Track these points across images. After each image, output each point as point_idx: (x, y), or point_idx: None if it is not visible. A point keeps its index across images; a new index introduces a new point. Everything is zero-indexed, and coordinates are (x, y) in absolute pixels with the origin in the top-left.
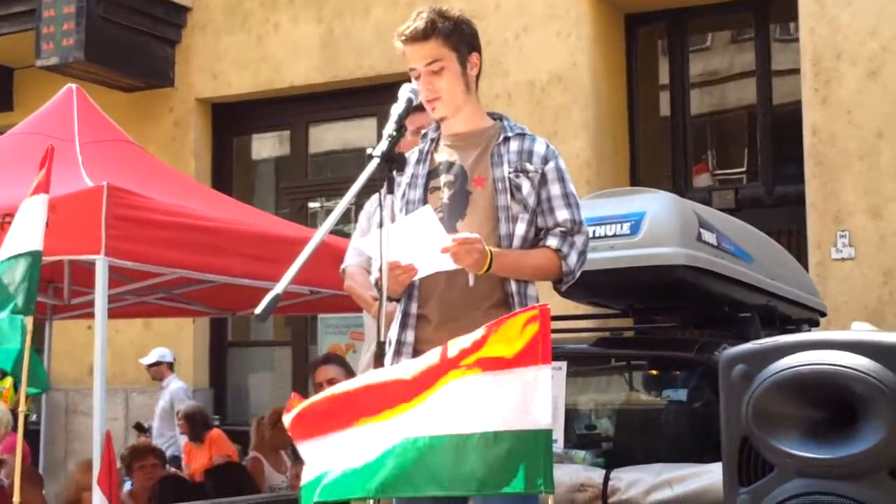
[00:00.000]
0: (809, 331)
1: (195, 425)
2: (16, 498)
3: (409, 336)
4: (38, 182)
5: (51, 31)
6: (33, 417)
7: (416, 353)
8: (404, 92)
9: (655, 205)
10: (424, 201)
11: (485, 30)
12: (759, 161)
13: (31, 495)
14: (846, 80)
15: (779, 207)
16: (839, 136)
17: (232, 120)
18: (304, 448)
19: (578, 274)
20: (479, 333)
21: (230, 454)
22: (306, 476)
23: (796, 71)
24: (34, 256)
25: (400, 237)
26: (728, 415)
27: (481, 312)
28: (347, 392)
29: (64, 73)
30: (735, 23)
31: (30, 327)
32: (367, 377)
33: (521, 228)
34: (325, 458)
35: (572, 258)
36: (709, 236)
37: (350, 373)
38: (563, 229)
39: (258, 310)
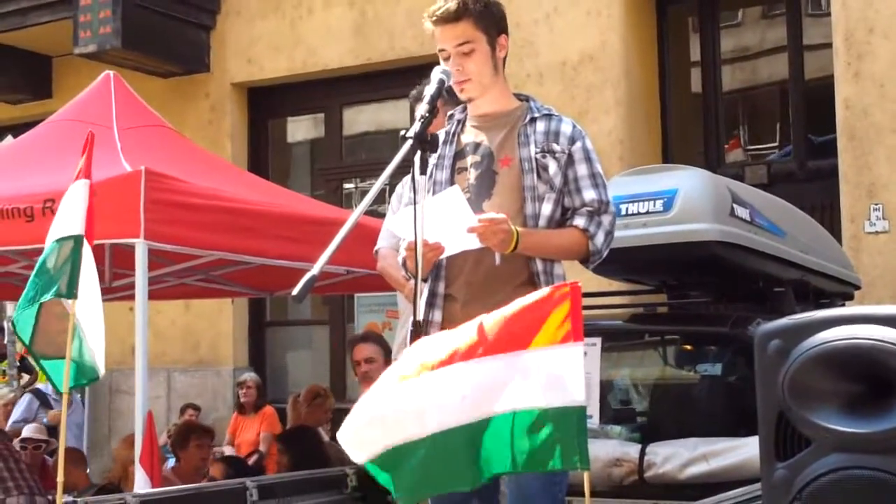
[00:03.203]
0: (843, 305)
1: (259, 396)
2: (59, 477)
3: (437, 315)
4: (80, 168)
5: (88, 19)
6: (77, 397)
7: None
8: (436, 74)
9: (688, 181)
10: (452, 182)
11: (515, 11)
12: (792, 136)
13: (74, 474)
14: (879, 54)
15: (811, 182)
16: (872, 110)
17: (267, 104)
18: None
19: (605, 253)
20: (514, 308)
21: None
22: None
23: (828, 45)
24: (76, 240)
25: (427, 217)
26: (764, 390)
27: (508, 292)
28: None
29: (101, 61)
30: None
31: (73, 310)
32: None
33: (547, 208)
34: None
35: (599, 238)
36: (742, 212)
37: (387, 351)
38: (590, 209)
39: (295, 291)
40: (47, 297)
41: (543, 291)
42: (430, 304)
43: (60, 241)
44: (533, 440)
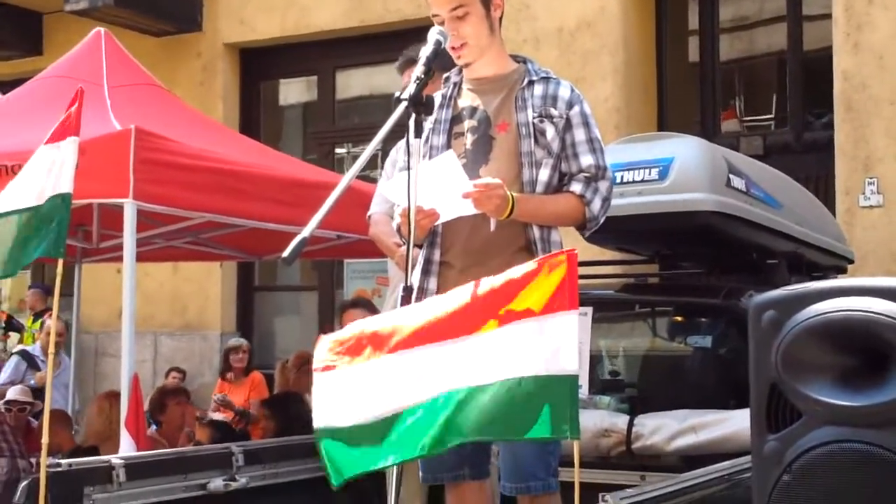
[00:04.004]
0: (836, 278)
1: (248, 362)
2: (44, 438)
3: (432, 283)
4: (66, 124)
5: None
6: (66, 359)
7: None
8: (433, 35)
9: (684, 150)
10: (448, 147)
11: None
12: (788, 107)
13: (60, 435)
14: (878, 26)
15: (807, 153)
16: (870, 82)
17: (259, 65)
18: (326, 377)
19: (602, 220)
20: (508, 276)
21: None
22: (325, 416)
23: (827, 16)
24: (64, 199)
25: (422, 182)
26: (757, 361)
27: (504, 258)
28: (378, 327)
29: (92, 18)
30: None
31: (60, 269)
32: (398, 315)
33: (544, 174)
34: (344, 394)
35: (596, 204)
36: (738, 182)
37: None
38: (587, 175)
39: (285, 253)
40: (36, 254)
41: (538, 259)
42: (426, 272)
43: (50, 198)
44: (523, 408)
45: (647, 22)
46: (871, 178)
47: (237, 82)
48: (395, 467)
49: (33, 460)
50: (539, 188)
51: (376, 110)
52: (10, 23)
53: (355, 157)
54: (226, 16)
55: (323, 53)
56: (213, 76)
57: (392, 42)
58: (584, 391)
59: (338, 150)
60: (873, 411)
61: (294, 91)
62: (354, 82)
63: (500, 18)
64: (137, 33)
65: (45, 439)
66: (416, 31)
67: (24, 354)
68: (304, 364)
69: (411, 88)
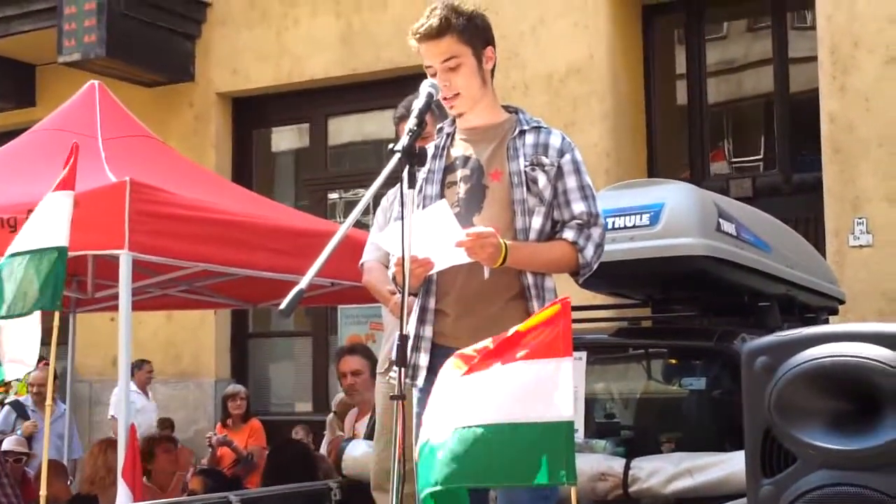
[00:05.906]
0: (828, 319)
1: (247, 408)
2: (42, 490)
3: (427, 331)
4: (62, 178)
5: (72, 27)
6: (63, 407)
7: (434, 346)
8: (425, 87)
9: (674, 195)
10: (441, 196)
11: (501, 22)
12: (777, 149)
13: (55, 486)
14: (864, 68)
15: (796, 195)
16: (857, 124)
17: (252, 113)
18: None
19: (595, 266)
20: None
21: (264, 448)
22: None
23: (813, 59)
24: (60, 252)
25: (416, 232)
26: (751, 407)
27: (499, 306)
28: None
29: (86, 69)
30: (751, 11)
31: (56, 322)
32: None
33: (537, 222)
34: None
35: (589, 251)
36: (728, 226)
37: (374, 363)
38: (579, 222)
39: (283, 305)
40: (34, 309)
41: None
42: (421, 320)
43: (42, 251)
44: (520, 454)
45: (635, 67)
46: (860, 218)
47: (230, 131)
48: None
49: None
50: (532, 235)
51: (368, 156)
52: (3, 74)
53: (348, 203)
54: (218, 65)
55: (315, 101)
56: (205, 125)
57: (383, 90)
58: (579, 435)
59: (331, 196)
60: (866, 455)
61: (286, 139)
62: (346, 129)
63: (493, 70)
64: (130, 84)
65: (43, 491)
66: (406, 80)
67: (16, 405)
68: None
69: (404, 140)
